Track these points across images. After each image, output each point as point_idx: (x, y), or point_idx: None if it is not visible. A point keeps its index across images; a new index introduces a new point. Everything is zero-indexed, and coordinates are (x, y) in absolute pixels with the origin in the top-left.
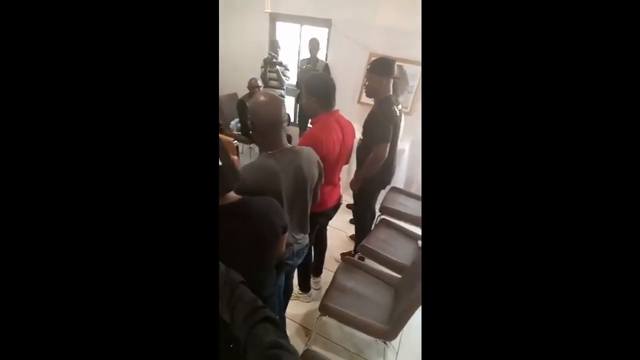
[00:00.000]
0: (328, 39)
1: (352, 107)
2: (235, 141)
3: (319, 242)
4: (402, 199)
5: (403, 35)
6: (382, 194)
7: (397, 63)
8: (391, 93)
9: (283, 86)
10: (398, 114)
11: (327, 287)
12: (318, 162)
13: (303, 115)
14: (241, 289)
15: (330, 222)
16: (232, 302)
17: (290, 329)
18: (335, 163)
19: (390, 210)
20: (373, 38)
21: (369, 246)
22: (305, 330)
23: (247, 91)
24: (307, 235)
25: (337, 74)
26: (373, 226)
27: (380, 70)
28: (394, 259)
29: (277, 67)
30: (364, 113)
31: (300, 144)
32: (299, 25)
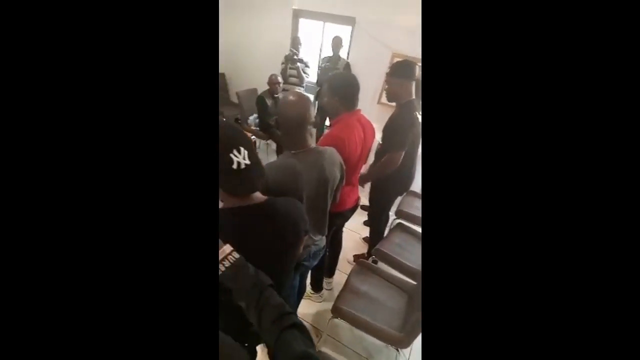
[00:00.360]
0: (351, 38)
1: (371, 108)
2: (253, 137)
3: (334, 243)
4: (418, 203)
5: None
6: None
7: (419, 65)
8: (413, 97)
9: (302, 83)
10: (419, 120)
11: (339, 288)
12: (341, 163)
13: (321, 114)
14: (269, 291)
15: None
16: (260, 305)
17: None
18: (355, 164)
19: (407, 215)
20: (396, 38)
21: (383, 250)
22: (316, 330)
23: (267, 87)
24: (324, 237)
25: (358, 73)
26: (387, 229)
27: (401, 73)
28: (409, 264)
29: (298, 64)
30: (384, 113)
31: (321, 144)
32: (322, 22)
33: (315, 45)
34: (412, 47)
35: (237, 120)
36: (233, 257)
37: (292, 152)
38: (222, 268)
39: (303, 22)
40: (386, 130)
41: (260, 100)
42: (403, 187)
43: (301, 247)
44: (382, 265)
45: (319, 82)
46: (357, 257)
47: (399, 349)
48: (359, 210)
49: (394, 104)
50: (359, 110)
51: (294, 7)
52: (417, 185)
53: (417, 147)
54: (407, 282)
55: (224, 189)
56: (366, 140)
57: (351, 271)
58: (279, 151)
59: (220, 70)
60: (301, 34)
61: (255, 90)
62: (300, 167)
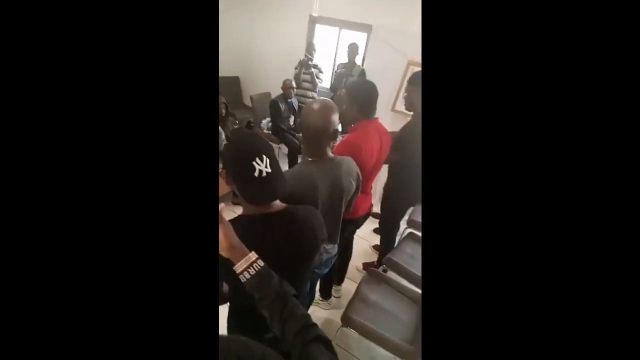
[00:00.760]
0: (366, 44)
1: (385, 115)
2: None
3: (345, 250)
4: None
5: None
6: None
7: None
8: None
9: (316, 88)
10: None
11: (347, 295)
12: (357, 174)
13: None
14: (292, 302)
15: None
16: (285, 316)
17: None
18: (370, 172)
19: (419, 224)
20: (412, 46)
21: (394, 259)
22: None
23: (281, 91)
24: (336, 246)
25: (373, 80)
26: (399, 238)
27: (419, 81)
28: (419, 274)
29: (312, 69)
30: (397, 121)
31: (337, 149)
32: (338, 28)
33: (330, 51)
34: None
35: (249, 123)
36: (258, 265)
37: (310, 159)
38: (247, 275)
39: (319, 28)
40: (399, 140)
41: (273, 104)
42: (415, 197)
43: (318, 255)
44: (392, 275)
45: (332, 88)
46: (366, 266)
47: None
48: (369, 218)
49: (407, 112)
50: (377, 118)
51: (315, 15)
52: None
53: None
54: (417, 292)
55: (245, 196)
56: (382, 149)
57: (361, 280)
58: (290, 155)
59: (235, 73)
60: (317, 40)
61: (268, 94)
62: (317, 176)
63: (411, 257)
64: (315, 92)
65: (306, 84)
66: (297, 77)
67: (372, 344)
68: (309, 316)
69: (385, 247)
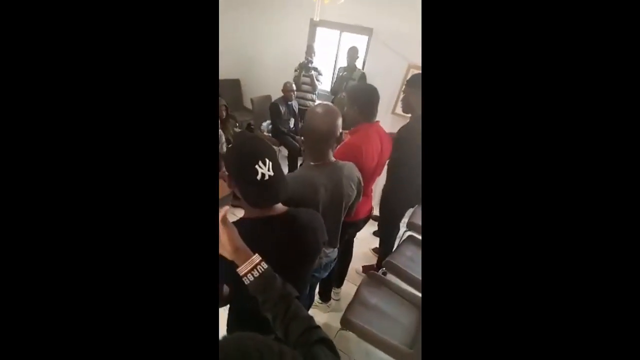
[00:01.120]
0: (367, 48)
1: (385, 117)
2: None
3: (345, 253)
4: None
5: None
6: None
7: None
8: None
9: (315, 91)
10: None
11: (346, 298)
12: (359, 179)
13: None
14: (295, 304)
15: None
16: (288, 318)
17: None
18: (371, 175)
19: (418, 227)
20: (413, 49)
21: (394, 262)
22: None
23: (281, 94)
24: (335, 250)
25: (373, 83)
26: (398, 241)
27: (418, 83)
28: (419, 277)
29: (312, 72)
30: (397, 124)
31: (338, 151)
32: (339, 31)
33: (331, 54)
34: None
35: (250, 125)
36: (262, 267)
37: (312, 164)
38: (250, 278)
39: (320, 31)
40: (397, 142)
41: (274, 107)
42: (414, 199)
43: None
44: (391, 278)
45: (333, 91)
46: (366, 268)
47: None
48: (369, 221)
49: (408, 115)
50: (378, 122)
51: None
52: None
53: None
54: (417, 296)
55: (247, 199)
56: (383, 153)
57: (361, 283)
58: (290, 158)
59: (236, 76)
60: (317, 43)
61: (269, 97)
62: (319, 181)
63: (411, 260)
64: (315, 94)
65: (306, 87)
66: (296, 80)
67: (372, 347)
68: (311, 318)
69: (384, 249)
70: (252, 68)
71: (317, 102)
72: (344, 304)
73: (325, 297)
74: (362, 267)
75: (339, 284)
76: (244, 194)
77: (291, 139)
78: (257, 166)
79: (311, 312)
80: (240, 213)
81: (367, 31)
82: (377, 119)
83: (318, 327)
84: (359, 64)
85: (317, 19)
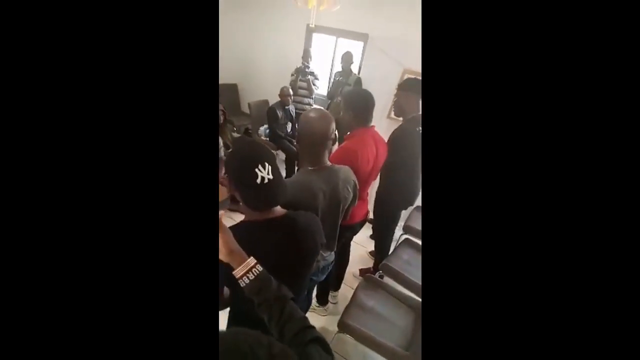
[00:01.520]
0: (363, 53)
1: (381, 122)
2: None
3: (342, 256)
4: None
5: None
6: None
7: None
8: (420, 112)
9: (312, 95)
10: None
11: (343, 301)
12: (354, 182)
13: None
14: (290, 305)
15: None
16: (283, 319)
17: None
18: (366, 179)
19: (414, 230)
20: (408, 55)
21: (390, 265)
22: None
23: (279, 99)
24: (333, 253)
25: (368, 88)
26: (395, 245)
27: (410, 87)
28: (416, 280)
29: (309, 76)
30: (393, 128)
31: (334, 155)
32: (335, 37)
33: (327, 58)
34: None
35: (247, 130)
36: (257, 269)
37: (310, 168)
38: (246, 280)
39: (316, 37)
40: (390, 144)
41: (271, 111)
42: (406, 201)
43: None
44: (388, 281)
45: (329, 95)
46: (363, 271)
47: None
48: (366, 224)
49: (401, 118)
50: (374, 126)
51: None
52: None
53: (419, 163)
54: (414, 299)
55: (247, 202)
56: (378, 157)
57: (358, 286)
58: (287, 162)
59: (233, 80)
60: (314, 48)
61: (266, 101)
62: (317, 185)
63: (407, 263)
64: (312, 98)
65: (302, 91)
66: (293, 84)
67: (369, 350)
68: (306, 318)
69: (380, 252)
70: (249, 73)
71: (314, 106)
72: (341, 307)
73: (322, 300)
74: (359, 270)
75: (336, 287)
76: (244, 198)
77: (288, 143)
78: (256, 170)
79: (309, 315)
80: (237, 217)
81: (363, 37)
82: (372, 123)
83: (312, 327)
84: (355, 69)
85: (313, 25)
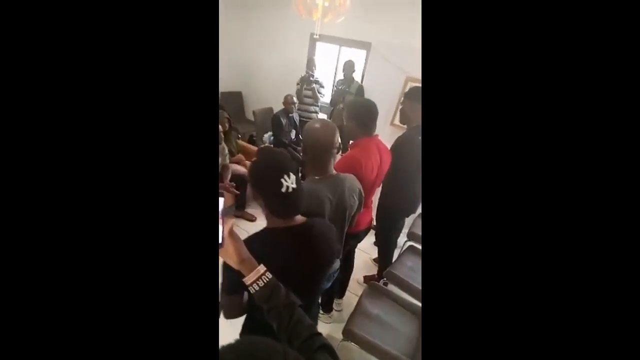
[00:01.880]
0: (366, 61)
1: (384, 129)
2: None
3: (346, 264)
4: None
5: None
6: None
7: None
8: None
9: (317, 103)
10: None
11: (347, 308)
12: (360, 191)
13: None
14: (298, 312)
15: None
16: (291, 326)
17: None
18: (370, 187)
19: (418, 237)
20: (411, 62)
21: (395, 272)
22: None
23: (283, 107)
24: (338, 260)
25: (371, 95)
26: (399, 252)
27: (416, 96)
28: (420, 287)
29: (314, 85)
30: (395, 135)
31: (338, 164)
32: (338, 46)
33: (330, 67)
34: None
35: (252, 137)
36: (267, 277)
37: (316, 177)
38: (256, 287)
39: (320, 45)
40: (394, 151)
41: (275, 119)
42: (409, 208)
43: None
44: (393, 288)
45: (332, 103)
46: (367, 279)
47: None
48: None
49: (405, 126)
50: (377, 135)
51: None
52: None
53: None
54: (418, 306)
55: (272, 210)
56: (382, 165)
57: (362, 293)
58: None
59: (238, 88)
60: (317, 56)
61: (271, 109)
62: (324, 194)
63: (412, 270)
64: (317, 106)
65: (308, 100)
66: (299, 93)
67: (374, 358)
68: (314, 325)
69: (384, 259)
70: (253, 81)
71: (320, 114)
72: (345, 315)
73: (327, 307)
74: (363, 277)
75: (341, 294)
76: (269, 205)
77: (293, 150)
78: (282, 179)
79: None
80: (243, 224)
81: (366, 45)
82: (376, 131)
83: (320, 334)
84: (358, 76)
85: (317, 36)
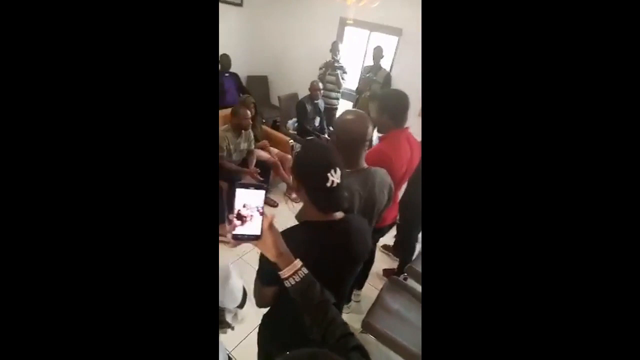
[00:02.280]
0: (396, 48)
1: (412, 119)
2: (291, 140)
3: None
4: None
5: None
6: None
7: None
8: None
9: (340, 89)
10: None
11: (365, 300)
12: (390, 185)
13: None
14: (333, 310)
15: None
16: (325, 323)
17: None
18: (399, 182)
19: None
20: None
21: (416, 268)
22: None
23: (308, 92)
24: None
25: (399, 84)
26: (419, 247)
27: None
28: None
29: (337, 70)
30: None
31: (367, 157)
32: (368, 31)
33: (359, 53)
34: None
35: (275, 122)
36: (303, 272)
37: (347, 170)
38: (292, 282)
39: (349, 30)
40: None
41: (300, 105)
42: None
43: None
44: (412, 284)
45: (358, 90)
46: (387, 272)
47: None
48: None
49: None
50: (408, 128)
51: (350, 22)
52: None
53: None
54: None
55: (317, 204)
56: (412, 159)
57: (383, 288)
58: None
59: (264, 73)
60: (346, 42)
61: (296, 94)
62: (354, 188)
63: None
64: (339, 92)
65: (330, 85)
66: (321, 78)
67: (391, 352)
68: (347, 324)
69: (404, 253)
70: (280, 65)
71: (341, 100)
72: (363, 306)
73: (346, 298)
74: (383, 270)
75: (360, 286)
76: (314, 199)
77: (316, 137)
78: (329, 174)
79: None
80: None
81: (397, 31)
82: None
83: (353, 334)
84: (387, 63)
85: (351, 20)
